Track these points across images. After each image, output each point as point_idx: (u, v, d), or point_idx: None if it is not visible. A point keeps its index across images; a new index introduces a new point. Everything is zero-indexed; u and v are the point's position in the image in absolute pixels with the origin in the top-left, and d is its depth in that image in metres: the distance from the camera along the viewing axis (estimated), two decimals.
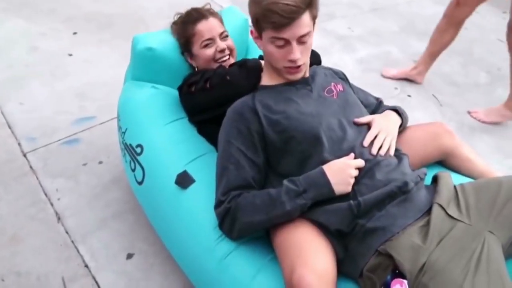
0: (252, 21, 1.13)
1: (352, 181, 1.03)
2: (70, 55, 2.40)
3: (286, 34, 1.06)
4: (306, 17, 1.07)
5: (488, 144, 2.02)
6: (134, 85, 1.48)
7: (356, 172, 1.04)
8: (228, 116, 1.16)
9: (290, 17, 1.03)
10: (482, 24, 3.05)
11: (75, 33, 2.59)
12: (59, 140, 1.85)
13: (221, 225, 1.08)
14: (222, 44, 1.37)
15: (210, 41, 1.37)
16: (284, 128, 1.10)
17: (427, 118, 2.12)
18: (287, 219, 1.04)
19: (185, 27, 1.41)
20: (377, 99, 1.41)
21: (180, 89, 1.37)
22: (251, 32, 1.17)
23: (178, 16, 1.47)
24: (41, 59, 2.34)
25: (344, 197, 1.03)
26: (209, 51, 1.37)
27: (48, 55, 2.37)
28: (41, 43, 2.47)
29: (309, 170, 1.07)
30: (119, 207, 1.58)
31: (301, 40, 1.08)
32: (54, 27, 2.62)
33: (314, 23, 1.12)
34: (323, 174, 1.03)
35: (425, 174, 1.15)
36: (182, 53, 1.45)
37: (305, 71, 1.20)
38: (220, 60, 1.38)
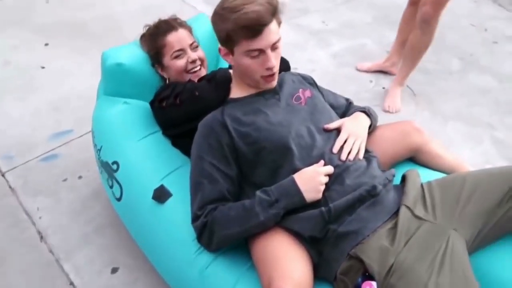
0: (221, 39, 1.15)
1: (322, 188, 1.07)
2: (43, 67, 2.37)
3: (260, 44, 1.09)
4: (274, 24, 1.10)
5: (461, 131, 2.07)
6: (106, 101, 1.48)
7: (326, 179, 1.08)
8: (199, 131, 1.18)
9: (261, 27, 1.07)
10: (453, 9, 3.07)
11: (46, 44, 2.56)
12: (37, 157, 1.85)
13: (199, 238, 1.10)
14: (193, 55, 1.39)
15: (181, 52, 1.38)
16: (254, 139, 1.13)
17: (402, 109, 2.16)
18: (263, 229, 1.07)
19: (155, 39, 1.41)
20: (347, 100, 1.43)
21: (152, 104, 1.38)
22: (220, 50, 1.19)
23: (147, 28, 1.47)
24: (14, 74, 2.32)
25: (316, 204, 1.07)
26: (180, 62, 1.38)
27: (20, 69, 2.35)
28: (13, 56, 2.44)
29: (282, 179, 1.10)
30: (101, 222, 1.60)
31: (273, 47, 1.12)
32: (25, 38, 2.59)
33: (279, 29, 1.15)
34: (294, 183, 1.06)
35: (394, 176, 1.19)
36: (153, 65, 1.46)
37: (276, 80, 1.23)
38: (191, 71, 1.39)
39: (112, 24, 2.72)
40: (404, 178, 1.19)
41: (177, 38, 1.39)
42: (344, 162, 1.13)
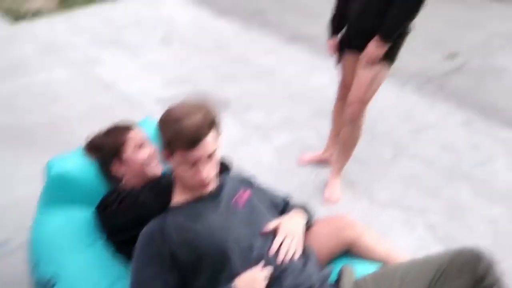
0: (162, 144, 1.24)
1: None
2: None
3: (195, 155, 1.17)
4: (211, 136, 1.20)
5: (396, 218, 2.20)
6: (45, 214, 1.48)
7: (264, 283, 1.12)
8: (139, 240, 1.21)
9: (197, 140, 1.16)
10: (381, 100, 3.44)
11: None
12: None
13: None
14: (152, 149, 1.48)
15: (142, 145, 1.47)
16: (194, 246, 1.17)
17: (341, 198, 2.29)
18: None
19: (115, 136, 1.48)
20: (285, 198, 1.52)
21: (96, 210, 1.40)
22: (162, 152, 1.27)
23: (97, 133, 1.54)
24: None
25: None
26: (143, 154, 1.46)
27: None
28: None
29: (223, 284, 1.13)
30: None
31: (209, 157, 1.21)
32: None
33: (218, 138, 1.25)
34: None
35: (330, 273, 1.25)
36: (103, 170, 1.50)
37: (213, 184, 1.30)
38: (152, 165, 1.46)
39: (61, 126, 2.77)
40: (340, 275, 1.26)
41: (136, 134, 1.49)
42: (281, 264, 1.19)
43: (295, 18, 5.61)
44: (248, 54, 4.10)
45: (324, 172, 2.50)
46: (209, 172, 1.22)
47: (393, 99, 3.52)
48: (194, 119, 1.16)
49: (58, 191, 1.50)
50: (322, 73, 3.53)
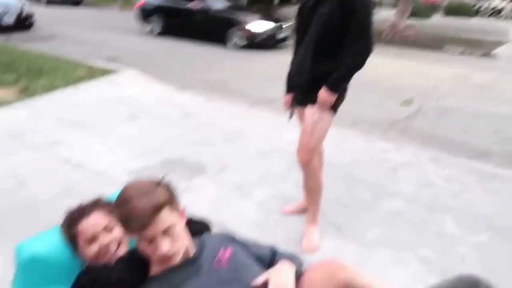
0: (119, 223, 1.20)
1: None
2: None
3: (148, 234, 1.15)
4: (165, 213, 1.17)
5: (388, 257, 2.16)
6: None
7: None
8: None
9: (144, 223, 1.13)
10: (350, 149, 3.55)
11: None
12: None
13: None
14: (105, 240, 1.38)
15: (93, 239, 1.37)
16: None
17: (329, 243, 2.24)
18: None
19: (69, 227, 1.41)
20: (271, 249, 1.47)
21: None
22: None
23: (64, 216, 1.46)
24: None
25: None
26: (93, 249, 1.37)
27: None
28: None
29: None
30: None
31: (166, 233, 1.17)
32: None
33: (178, 212, 1.23)
34: None
35: None
36: (74, 252, 1.41)
37: (188, 251, 1.26)
38: (106, 256, 1.36)
39: (28, 212, 2.62)
40: None
41: (87, 226, 1.39)
42: None
43: (256, 85, 5.88)
44: (215, 121, 4.18)
45: None
46: (170, 246, 1.18)
47: (361, 147, 3.64)
48: (142, 202, 1.14)
49: (29, 276, 1.38)
50: (290, 130, 3.62)
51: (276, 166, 3.19)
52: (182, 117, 4.28)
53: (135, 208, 1.12)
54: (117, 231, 1.41)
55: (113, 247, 1.36)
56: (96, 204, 1.45)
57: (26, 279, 1.38)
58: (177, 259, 1.21)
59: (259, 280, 1.21)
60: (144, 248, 1.18)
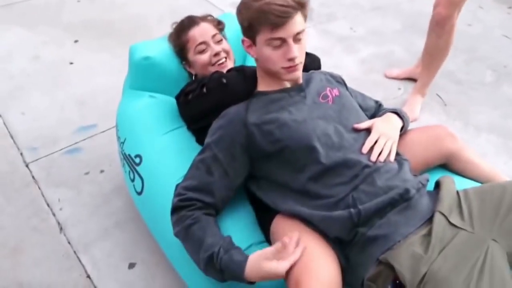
0: (244, 29, 1.13)
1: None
2: (71, 63, 2.40)
3: (282, 33, 1.06)
4: (299, 16, 1.08)
5: (495, 144, 1.98)
6: (132, 95, 1.47)
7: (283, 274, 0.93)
8: (219, 118, 1.15)
9: (285, 16, 1.04)
10: (486, 20, 3.00)
11: (76, 41, 2.60)
12: (61, 149, 1.86)
13: (171, 215, 1.08)
14: (216, 48, 1.37)
15: (204, 46, 1.37)
16: (277, 138, 1.09)
17: (431, 118, 2.09)
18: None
19: (179, 35, 1.41)
20: (377, 102, 1.38)
21: (177, 98, 1.36)
22: (243, 41, 1.16)
23: (174, 25, 1.46)
24: (42, 68, 2.35)
25: (344, 205, 1.02)
26: (204, 56, 1.37)
27: (49, 64, 2.38)
28: (43, 52, 2.48)
29: (307, 177, 1.05)
30: (121, 216, 1.58)
31: (296, 38, 1.08)
32: (55, 35, 2.63)
33: (305, 22, 1.12)
34: (243, 271, 0.93)
35: (428, 181, 1.12)
36: (181, 62, 1.45)
37: (299, 77, 1.19)
38: (217, 64, 1.37)
39: (140, 24, 2.75)
40: (437, 185, 1.13)
41: (198, 32, 1.37)
42: (374, 163, 1.08)
43: None
44: None
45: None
46: (298, 53, 1.10)
47: (500, 19, 3.05)
48: None
49: (140, 75, 1.47)
50: None
51: (389, 25, 2.86)
52: None
53: (277, 1, 1.04)
54: (226, 44, 1.41)
55: (223, 56, 1.37)
56: (205, 18, 1.43)
57: (137, 76, 1.49)
58: (299, 72, 1.16)
59: (363, 125, 1.16)
60: (268, 55, 1.10)
